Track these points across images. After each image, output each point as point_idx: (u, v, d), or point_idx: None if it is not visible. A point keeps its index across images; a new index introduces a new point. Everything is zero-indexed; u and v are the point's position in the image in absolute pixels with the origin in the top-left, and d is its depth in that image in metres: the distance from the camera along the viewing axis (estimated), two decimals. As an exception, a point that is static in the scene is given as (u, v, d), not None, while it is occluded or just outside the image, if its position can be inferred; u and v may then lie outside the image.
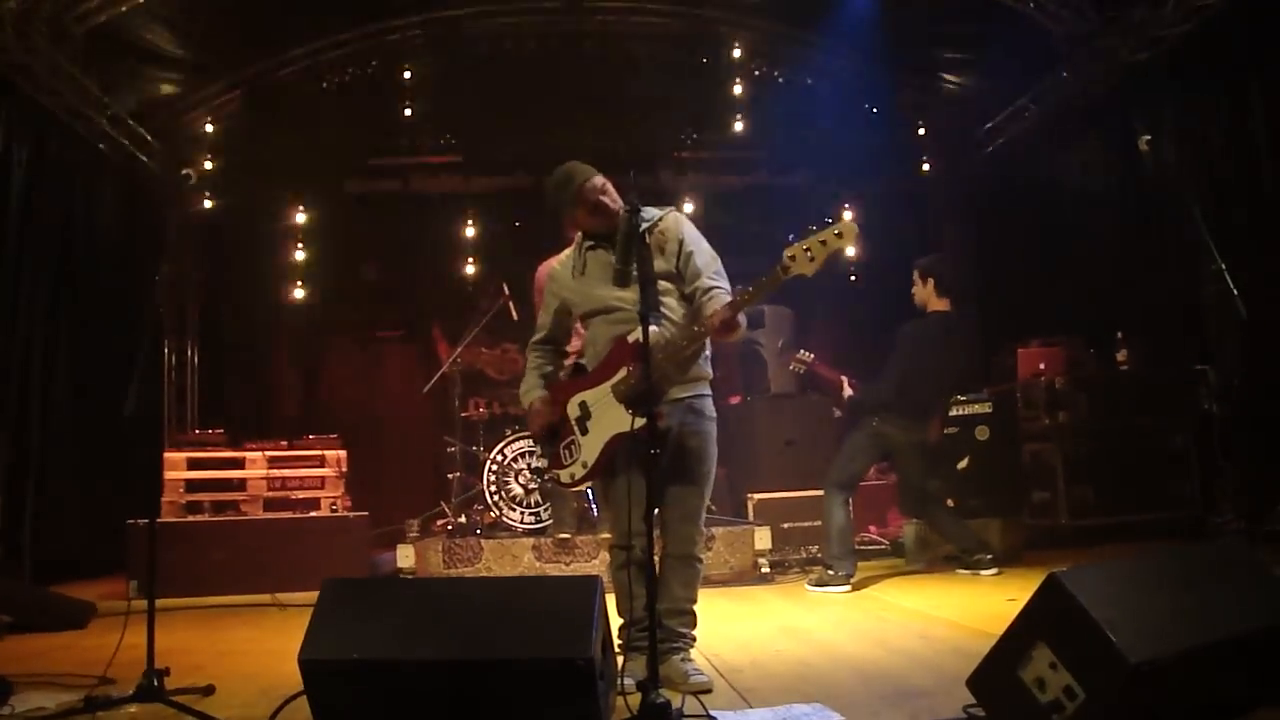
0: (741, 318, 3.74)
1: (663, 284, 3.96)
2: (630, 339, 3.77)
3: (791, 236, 3.64)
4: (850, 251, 3.10)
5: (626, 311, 3.85)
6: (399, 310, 11.01)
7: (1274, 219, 6.60)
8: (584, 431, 3.96)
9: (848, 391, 6.69)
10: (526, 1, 9.57)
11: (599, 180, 4.02)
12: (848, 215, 3.02)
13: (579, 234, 4.18)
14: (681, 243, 4.00)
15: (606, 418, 3.87)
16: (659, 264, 3.95)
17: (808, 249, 3.56)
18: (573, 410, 3.99)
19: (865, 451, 6.68)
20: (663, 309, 3.91)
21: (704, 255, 4.03)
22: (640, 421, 3.43)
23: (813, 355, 6.64)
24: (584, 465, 3.95)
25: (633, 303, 3.74)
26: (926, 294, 6.73)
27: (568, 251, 4.26)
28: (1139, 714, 2.66)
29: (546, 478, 4.21)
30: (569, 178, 4.04)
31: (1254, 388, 6.79)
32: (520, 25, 9.70)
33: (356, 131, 10.27)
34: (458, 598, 3.36)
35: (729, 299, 3.80)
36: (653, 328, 3.76)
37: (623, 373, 3.82)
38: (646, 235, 3.95)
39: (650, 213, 4.04)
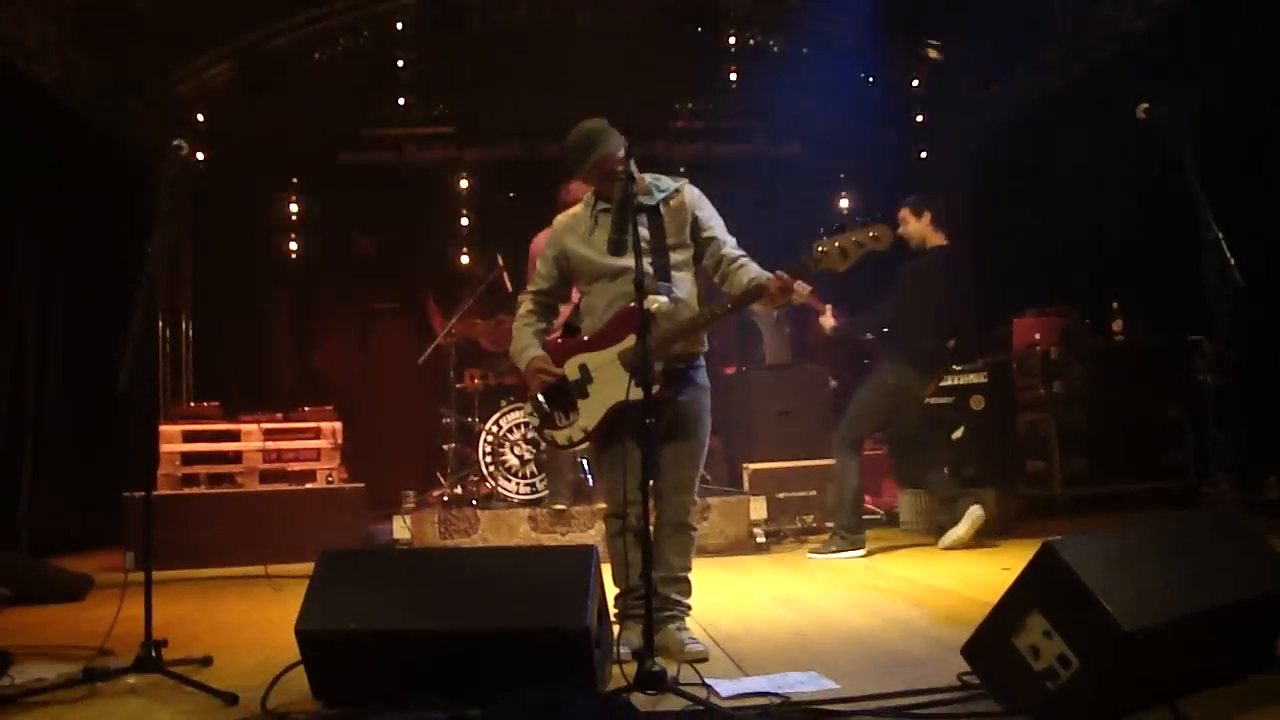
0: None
1: (675, 255, 3.93)
2: (654, 308, 3.67)
3: (822, 231, 3.62)
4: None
5: (630, 279, 3.62)
6: (394, 282, 11.00)
7: (1272, 187, 6.58)
8: (583, 395, 3.92)
9: (829, 321, 6.54)
10: (519, -31, 9.52)
11: (622, 153, 3.86)
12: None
13: (589, 194, 4.10)
14: (698, 216, 3.99)
15: (611, 384, 3.82)
16: (672, 235, 3.93)
17: (840, 246, 3.55)
18: (571, 372, 3.94)
19: (880, 408, 6.49)
20: (672, 280, 3.89)
21: (723, 228, 4.03)
22: (643, 389, 3.39)
23: (810, 288, 6.47)
24: (583, 430, 3.91)
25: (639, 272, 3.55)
26: (923, 229, 6.44)
27: (576, 209, 4.16)
28: (1132, 681, 2.67)
29: (541, 436, 4.15)
30: (592, 143, 3.91)
31: (1250, 357, 6.79)
32: (514, -7, 9.65)
33: (349, 102, 10.24)
34: (453, 568, 3.38)
35: (758, 268, 3.79)
36: (663, 298, 3.77)
37: (631, 339, 3.69)
38: (662, 205, 3.94)
39: (665, 183, 4.02)
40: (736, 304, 3.86)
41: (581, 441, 3.97)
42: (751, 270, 3.82)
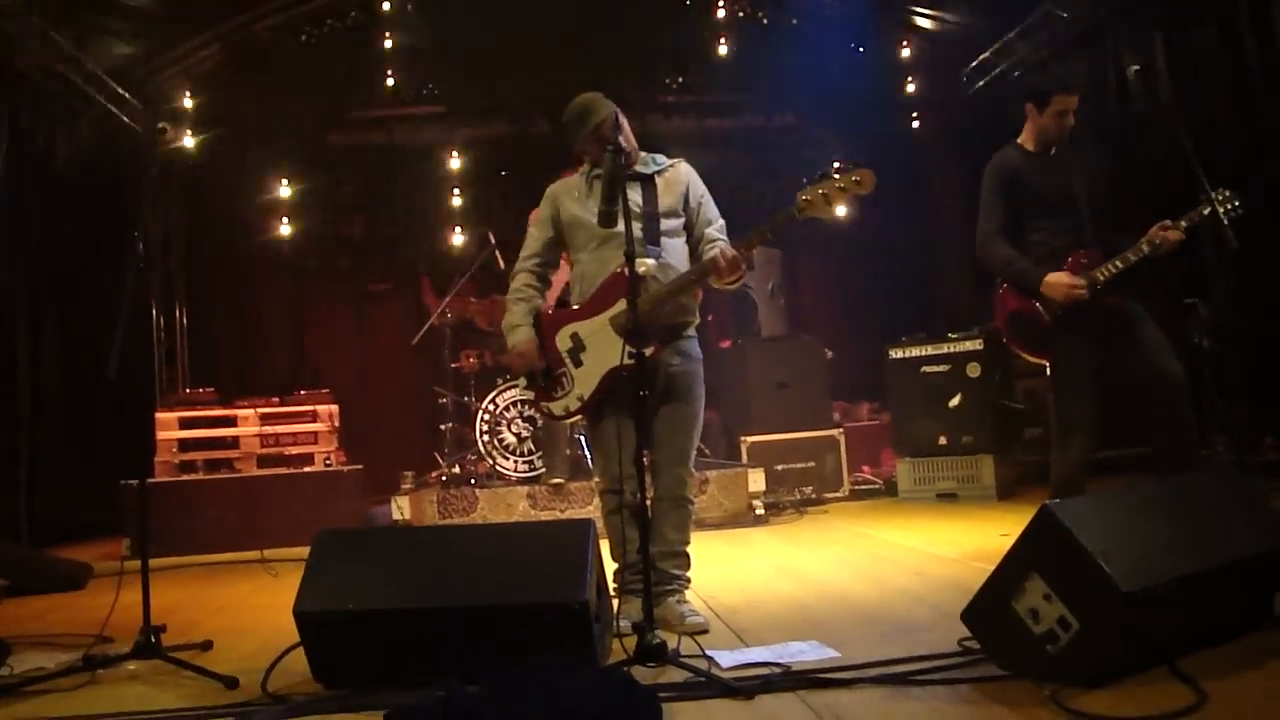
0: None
1: (666, 223, 3.94)
2: (642, 270, 3.66)
3: (805, 179, 3.61)
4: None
5: (620, 243, 3.61)
6: (387, 263, 10.95)
7: (1265, 149, 6.56)
8: (577, 364, 3.93)
9: None
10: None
11: (615, 118, 3.92)
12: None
13: (586, 164, 4.12)
14: (689, 189, 4.04)
15: (604, 350, 3.83)
16: (665, 201, 3.96)
17: (824, 192, 3.55)
18: (563, 342, 3.96)
19: None
20: (663, 246, 3.89)
21: (713, 208, 4.08)
22: (635, 353, 3.38)
23: None
24: (579, 398, 3.92)
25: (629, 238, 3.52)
26: None
27: (572, 178, 4.19)
28: (1133, 642, 2.67)
29: (537, 410, 4.16)
30: (587, 112, 3.96)
31: (1245, 320, 6.78)
32: (501, -32, 9.56)
33: (338, 84, 10.16)
34: (451, 545, 3.37)
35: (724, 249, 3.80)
36: (651, 261, 3.76)
37: (622, 304, 3.73)
38: (656, 176, 3.99)
39: (660, 159, 4.07)
40: (691, 278, 3.84)
41: (579, 410, 3.97)
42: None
